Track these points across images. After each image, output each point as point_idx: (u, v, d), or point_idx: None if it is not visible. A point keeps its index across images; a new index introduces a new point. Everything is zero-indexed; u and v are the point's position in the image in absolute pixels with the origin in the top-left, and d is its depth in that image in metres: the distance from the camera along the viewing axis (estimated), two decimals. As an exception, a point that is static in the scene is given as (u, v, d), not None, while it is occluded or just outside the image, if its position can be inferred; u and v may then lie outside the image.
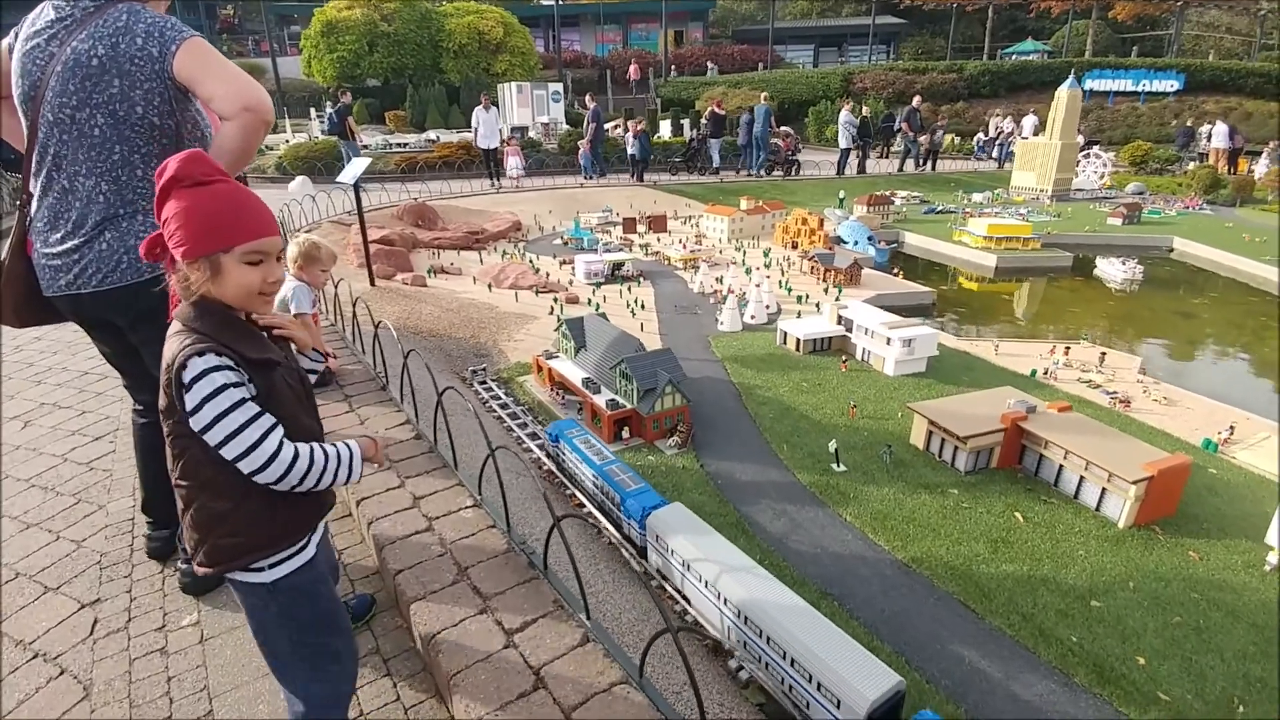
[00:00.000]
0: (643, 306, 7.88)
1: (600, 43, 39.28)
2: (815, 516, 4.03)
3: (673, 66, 34.06)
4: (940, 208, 14.46)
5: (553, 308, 7.65)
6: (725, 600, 2.67)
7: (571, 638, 2.34)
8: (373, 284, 7.53)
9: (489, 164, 15.77)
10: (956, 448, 4.41)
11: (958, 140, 24.49)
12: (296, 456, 1.42)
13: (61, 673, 2.36)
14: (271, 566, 1.53)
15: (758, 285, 7.55)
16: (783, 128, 20.29)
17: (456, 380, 5.60)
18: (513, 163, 16.19)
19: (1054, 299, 9.81)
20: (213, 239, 1.38)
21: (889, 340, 5.89)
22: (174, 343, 1.38)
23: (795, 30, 44.30)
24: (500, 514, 2.86)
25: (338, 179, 7.02)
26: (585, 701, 2.08)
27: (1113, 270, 10.43)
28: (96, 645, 2.45)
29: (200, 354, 1.34)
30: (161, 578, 2.80)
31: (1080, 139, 16.75)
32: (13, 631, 2.59)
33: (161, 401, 1.40)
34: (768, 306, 7.61)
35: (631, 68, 29.97)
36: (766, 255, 10.46)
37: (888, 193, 14.29)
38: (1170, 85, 26.59)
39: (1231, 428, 5.04)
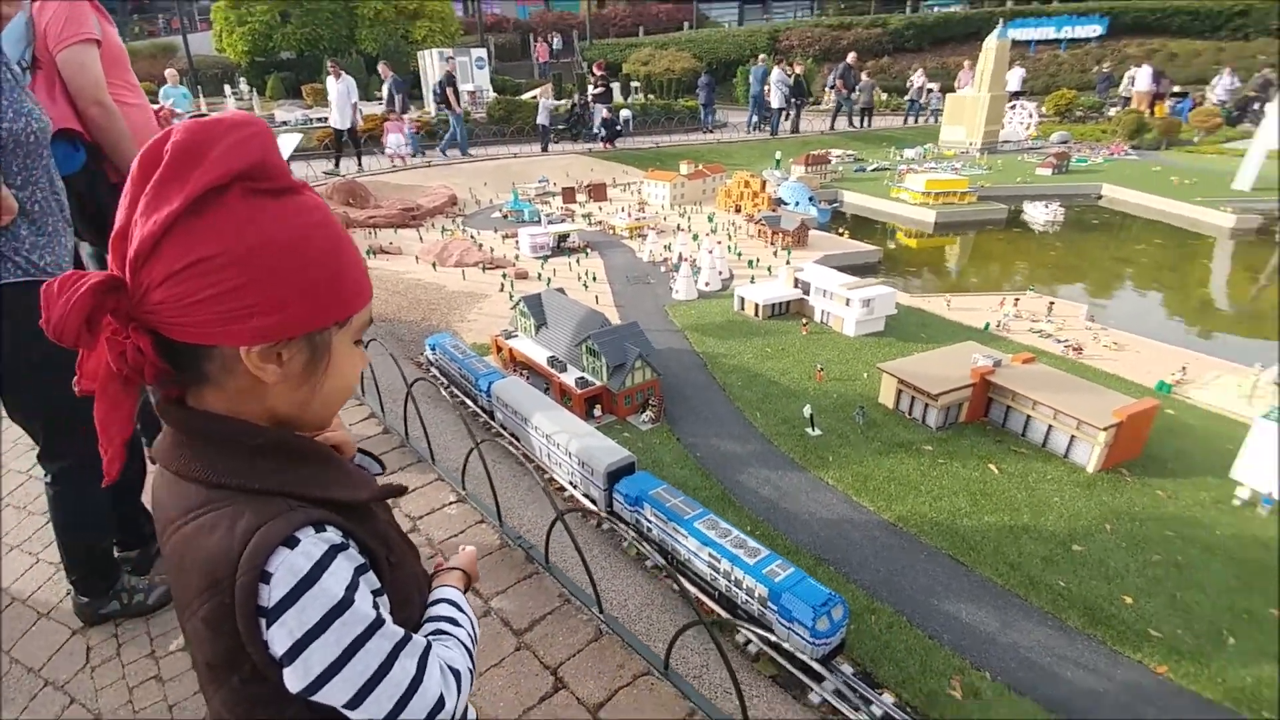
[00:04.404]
0: (594, 278, 7.64)
1: (521, 4, 37.71)
2: (798, 482, 3.98)
3: (610, 28, 33.18)
4: (875, 165, 14.64)
5: (503, 284, 7.32)
6: (535, 427, 3.72)
7: (585, 633, 2.19)
8: (304, 269, 6.98)
9: (339, 145, 13.23)
10: (927, 405, 4.44)
11: (885, 96, 24.83)
12: (456, 683, 0.84)
13: (72, 701, 2.27)
14: None
15: (710, 251, 7.42)
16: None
17: (412, 366, 5.26)
18: (393, 140, 13.86)
19: (994, 251, 10.10)
20: (332, 300, 0.80)
21: (848, 301, 5.87)
22: (207, 525, 0.73)
23: (737, -13, 43.73)
24: (489, 508, 2.66)
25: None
26: (611, 697, 1.96)
27: (1036, 213, 10.90)
28: (95, 673, 2.34)
29: (291, 538, 0.72)
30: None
31: (1007, 90, 17.14)
32: (23, 658, 2.48)
33: (210, 652, 0.76)
34: (721, 273, 7.49)
35: (538, 47, 28.31)
36: (711, 220, 10.34)
37: (823, 152, 14.35)
38: (1093, 30, 27.07)
39: (1184, 368, 5.26)
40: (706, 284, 7.28)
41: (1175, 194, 11.52)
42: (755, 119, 18.88)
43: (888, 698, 2.67)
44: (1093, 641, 2.94)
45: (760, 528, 3.57)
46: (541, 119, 16.18)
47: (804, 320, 6.25)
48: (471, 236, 9.52)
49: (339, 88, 12.41)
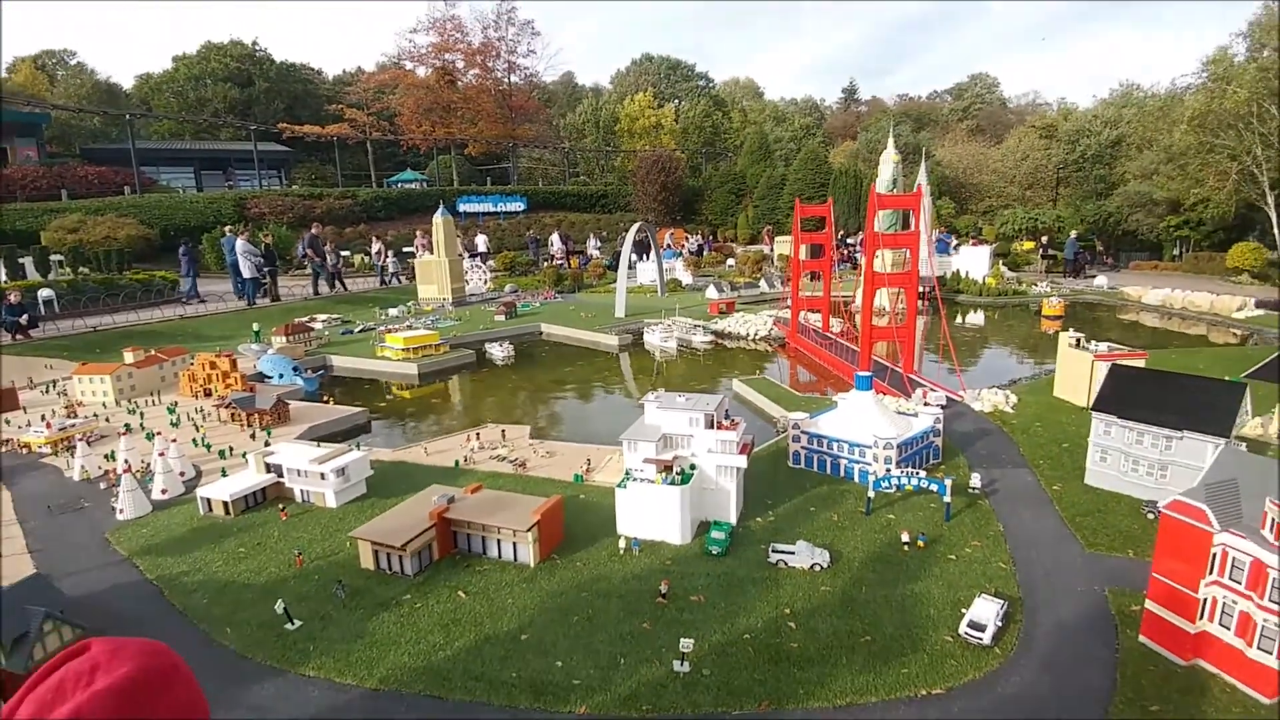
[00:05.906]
0: (-13, 524, 5.88)
1: None
2: (277, 690, 3.84)
3: (18, 191, 26.44)
4: (361, 326, 15.30)
5: None
6: None
7: None
8: None
9: None
10: (401, 556, 4.88)
11: (368, 259, 26.36)
12: None
13: None
14: None
15: (161, 453, 6.59)
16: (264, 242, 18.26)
17: None
18: None
19: (468, 391, 11.67)
20: None
21: (323, 475, 6.02)
22: None
23: (167, 152, 40.17)
24: None
25: None
26: None
27: (496, 352, 13.40)
28: None
29: None
30: None
31: (464, 253, 20.40)
32: None
33: None
34: (182, 474, 6.72)
35: None
36: (173, 411, 9.16)
37: (307, 319, 14.36)
38: (518, 206, 35.18)
39: (588, 460, 7.04)
40: (164, 491, 6.42)
41: (584, 325, 15.59)
42: (241, 285, 17.81)
43: None
44: (540, 711, 3.67)
45: (226, 764, 3.32)
46: None
47: (282, 505, 6.08)
48: None
49: None
